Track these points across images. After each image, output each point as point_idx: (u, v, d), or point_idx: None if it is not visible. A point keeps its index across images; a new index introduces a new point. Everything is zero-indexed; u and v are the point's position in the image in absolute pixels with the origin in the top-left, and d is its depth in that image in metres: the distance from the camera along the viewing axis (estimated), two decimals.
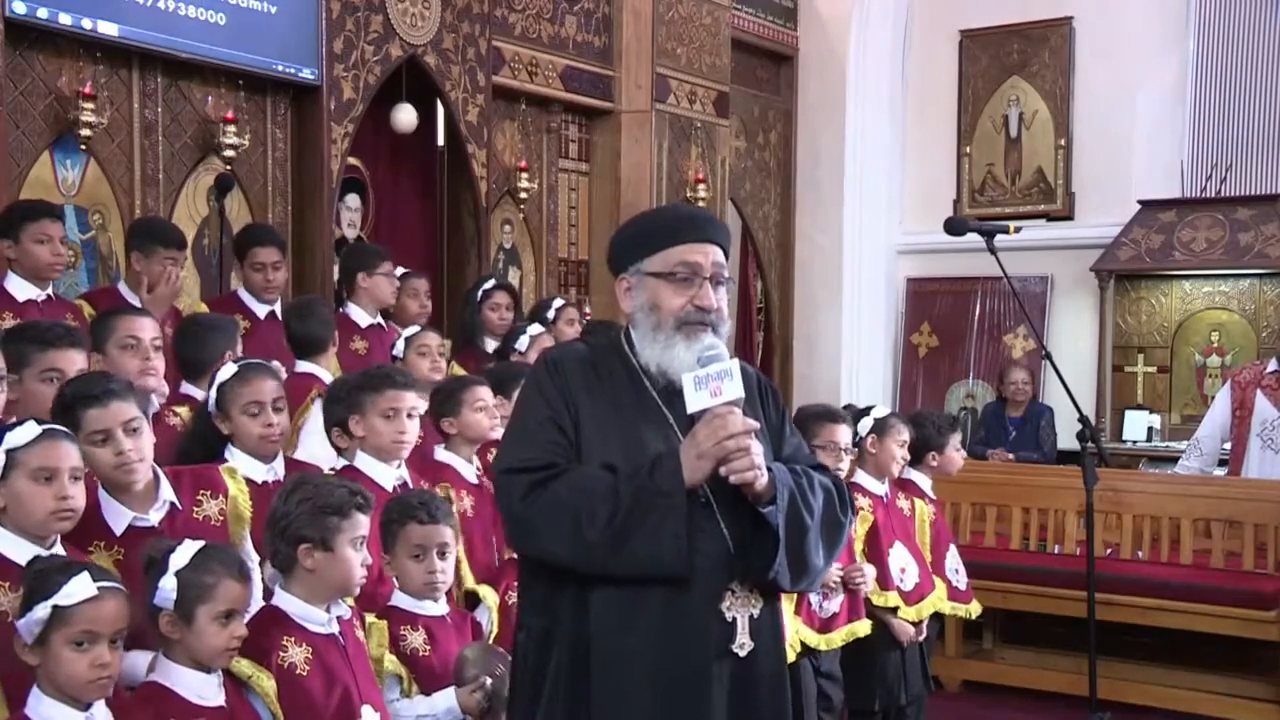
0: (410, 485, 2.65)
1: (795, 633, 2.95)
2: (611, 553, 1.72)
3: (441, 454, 2.97)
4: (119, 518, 2.02)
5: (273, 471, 2.42)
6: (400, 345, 3.48)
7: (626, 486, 1.72)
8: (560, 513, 1.73)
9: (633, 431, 1.81)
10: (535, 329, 4.08)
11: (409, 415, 2.60)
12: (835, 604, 3.07)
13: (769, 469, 1.77)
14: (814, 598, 3.01)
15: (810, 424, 3.05)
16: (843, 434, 3.08)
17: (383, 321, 3.99)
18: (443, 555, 2.26)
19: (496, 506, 1.87)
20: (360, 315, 3.94)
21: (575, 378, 1.84)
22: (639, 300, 1.86)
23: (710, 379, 1.74)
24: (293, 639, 1.95)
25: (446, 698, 2.19)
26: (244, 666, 1.90)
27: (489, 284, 4.36)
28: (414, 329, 3.59)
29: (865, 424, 3.29)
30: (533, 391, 1.87)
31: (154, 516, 2.05)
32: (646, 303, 1.84)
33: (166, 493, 2.09)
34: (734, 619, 1.79)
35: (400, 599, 2.30)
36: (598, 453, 1.79)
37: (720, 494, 1.78)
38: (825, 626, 3.06)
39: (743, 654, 1.80)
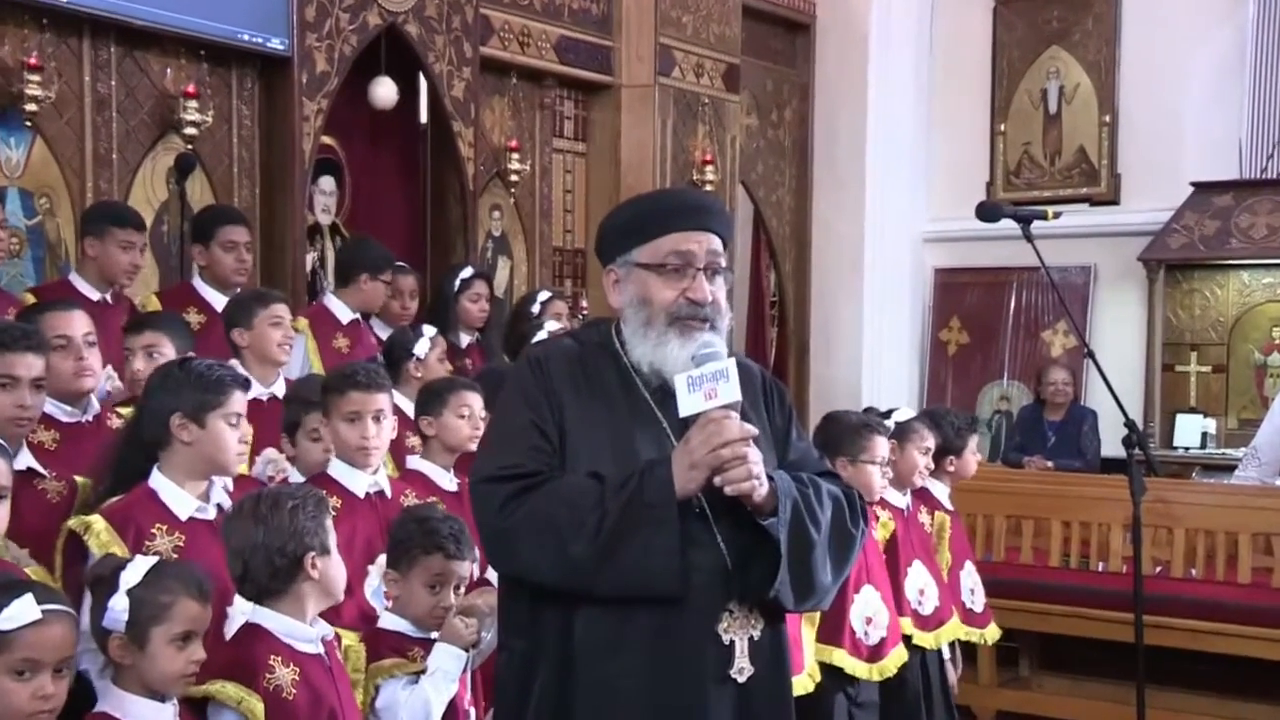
0: (388, 494, 2.65)
1: (814, 658, 2.94)
2: (598, 569, 1.71)
3: (415, 462, 2.98)
4: (183, 505, 2.21)
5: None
6: (423, 345, 3.49)
7: (614, 497, 1.72)
8: (542, 526, 1.73)
9: (624, 436, 1.81)
10: (553, 325, 4.05)
11: (375, 419, 2.62)
12: (882, 628, 3.07)
13: (770, 477, 1.77)
14: (858, 626, 3.02)
15: (850, 437, 3.03)
16: (883, 446, 3.07)
17: (359, 318, 4.00)
18: (457, 589, 2.30)
19: (473, 519, 1.87)
20: (343, 311, 3.95)
21: (561, 377, 1.84)
22: (628, 294, 1.86)
23: (705, 380, 1.73)
24: (279, 658, 1.96)
25: (439, 650, 2.24)
26: (230, 690, 1.90)
27: (467, 272, 4.35)
28: (433, 330, 3.62)
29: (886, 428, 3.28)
30: (514, 393, 1.87)
31: (212, 510, 2.23)
32: (636, 296, 1.85)
33: (219, 494, 2.26)
34: (731, 641, 1.79)
35: (393, 622, 2.30)
36: (585, 459, 1.79)
37: (717, 505, 1.77)
38: (874, 654, 3.05)
39: (742, 679, 1.79)
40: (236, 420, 2.25)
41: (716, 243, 1.87)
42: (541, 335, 3.97)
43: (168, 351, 2.89)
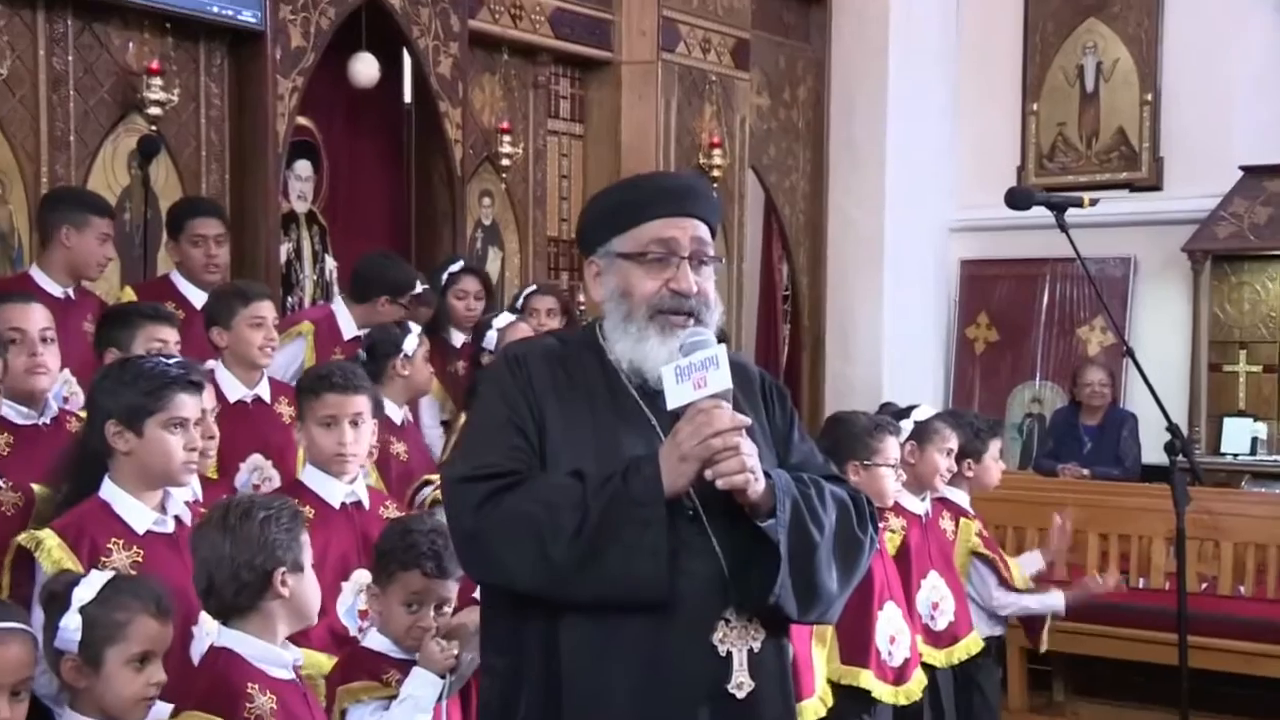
0: (365, 505, 2.66)
1: (825, 680, 2.93)
2: (579, 573, 1.72)
3: None
4: (139, 517, 2.17)
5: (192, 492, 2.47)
6: (412, 342, 3.49)
7: (596, 496, 1.73)
8: (519, 527, 1.74)
9: (608, 436, 1.82)
10: (504, 319, 4.04)
11: (353, 423, 2.62)
12: (905, 648, 3.07)
13: (768, 475, 1.77)
14: (884, 645, 3.02)
15: (860, 439, 3.04)
16: (895, 448, 3.09)
17: (360, 336, 4.01)
18: (440, 610, 2.30)
19: (447, 522, 1.88)
20: (348, 326, 3.97)
21: (541, 376, 1.86)
22: (609, 286, 1.89)
23: (693, 369, 1.74)
24: (257, 686, 1.95)
25: (414, 675, 2.24)
26: None
27: (455, 266, 4.38)
28: (418, 326, 3.63)
29: (903, 428, 3.27)
30: (491, 391, 1.89)
31: (170, 523, 2.22)
32: (617, 289, 1.87)
33: (176, 505, 2.24)
34: (729, 653, 1.79)
35: (376, 641, 2.30)
36: (566, 461, 1.80)
37: (711, 505, 1.78)
38: (899, 676, 3.06)
39: (741, 695, 1.79)
40: (180, 426, 2.21)
41: (703, 230, 1.88)
42: (492, 334, 3.91)
43: None
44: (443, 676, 2.23)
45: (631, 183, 2.07)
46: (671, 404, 1.76)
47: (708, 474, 1.73)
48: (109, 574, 1.89)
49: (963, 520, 3.45)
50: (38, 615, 1.95)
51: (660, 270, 1.84)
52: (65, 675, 1.84)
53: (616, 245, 1.87)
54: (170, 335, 3.04)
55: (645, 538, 1.71)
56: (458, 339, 4.29)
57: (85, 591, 1.84)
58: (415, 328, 3.58)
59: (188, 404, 2.24)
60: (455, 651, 2.22)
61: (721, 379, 1.73)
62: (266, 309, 3.24)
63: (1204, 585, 4.58)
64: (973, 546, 3.46)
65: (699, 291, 1.85)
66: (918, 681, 3.10)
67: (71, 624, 1.82)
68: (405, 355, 3.46)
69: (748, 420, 1.76)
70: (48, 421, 2.67)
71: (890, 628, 3.05)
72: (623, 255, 1.86)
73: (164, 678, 1.87)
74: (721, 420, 1.72)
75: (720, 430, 1.71)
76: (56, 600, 1.85)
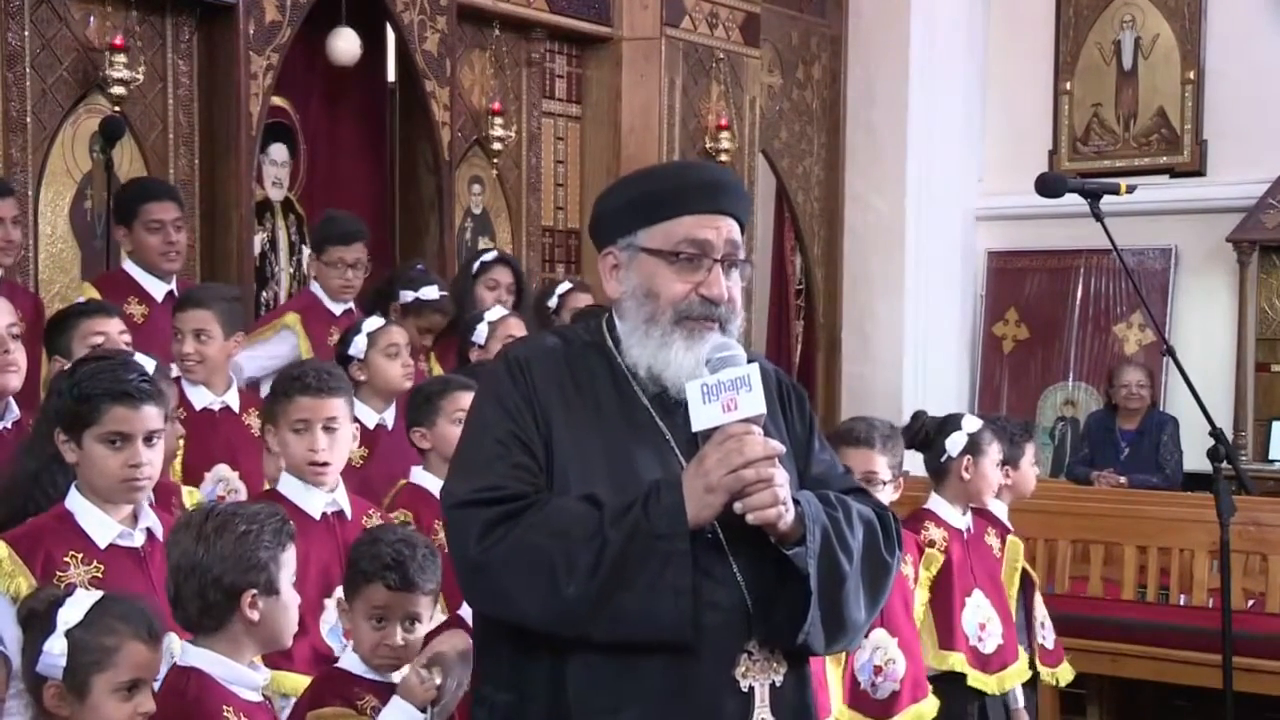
0: (347, 514, 2.69)
1: (841, 702, 2.97)
2: (596, 612, 1.73)
3: (418, 475, 3.00)
4: (103, 530, 2.17)
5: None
6: (360, 342, 3.47)
7: (614, 527, 1.73)
8: (529, 561, 1.74)
9: (620, 453, 1.82)
10: (496, 312, 4.03)
11: (327, 428, 2.63)
12: (895, 680, 3.07)
13: (796, 501, 1.78)
14: (863, 675, 3.02)
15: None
16: (880, 463, 3.06)
17: (352, 308, 4.04)
18: (410, 627, 2.29)
19: (448, 550, 1.88)
20: (332, 303, 3.99)
21: (545, 382, 1.85)
22: (630, 283, 1.87)
23: (723, 389, 1.74)
24: (231, 709, 1.95)
25: (393, 706, 2.22)
26: None
27: (489, 255, 4.39)
28: (377, 320, 3.58)
29: (956, 440, 3.29)
30: (490, 401, 1.87)
31: (138, 537, 2.21)
32: (640, 287, 1.86)
33: (149, 517, 2.24)
34: (750, 688, 1.81)
35: (350, 662, 2.32)
36: (575, 480, 1.80)
37: (734, 531, 1.78)
38: (884, 711, 3.06)
39: None
40: (121, 441, 2.18)
41: (736, 230, 1.88)
42: (482, 327, 3.83)
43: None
44: (424, 710, 2.20)
45: (662, 172, 2.06)
46: (697, 425, 1.76)
47: (737, 507, 1.73)
48: (96, 594, 1.88)
49: (1010, 539, 3.46)
50: (9, 633, 1.98)
51: (690, 272, 1.84)
52: (47, 702, 1.84)
53: (643, 239, 1.86)
54: (111, 326, 3.05)
55: (667, 575, 1.72)
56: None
57: (71, 613, 1.84)
58: (369, 326, 3.52)
59: (126, 417, 2.18)
60: (438, 681, 2.20)
61: (754, 403, 1.73)
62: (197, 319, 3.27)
63: (1250, 603, 4.61)
64: (1023, 565, 3.49)
65: (729, 299, 1.85)
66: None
67: (56, 648, 1.82)
68: (356, 360, 3.42)
69: (782, 448, 1.76)
70: (9, 426, 2.70)
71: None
72: (649, 251, 1.85)
73: (153, 707, 1.87)
74: (754, 449, 1.72)
75: (752, 460, 1.71)
76: (37, 620, 1.85)
